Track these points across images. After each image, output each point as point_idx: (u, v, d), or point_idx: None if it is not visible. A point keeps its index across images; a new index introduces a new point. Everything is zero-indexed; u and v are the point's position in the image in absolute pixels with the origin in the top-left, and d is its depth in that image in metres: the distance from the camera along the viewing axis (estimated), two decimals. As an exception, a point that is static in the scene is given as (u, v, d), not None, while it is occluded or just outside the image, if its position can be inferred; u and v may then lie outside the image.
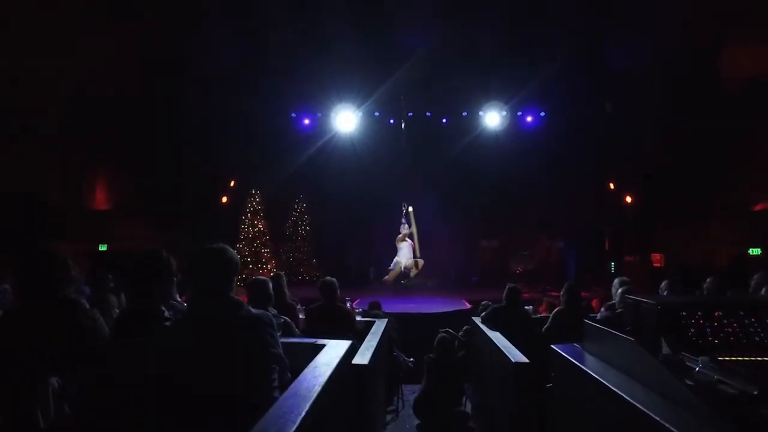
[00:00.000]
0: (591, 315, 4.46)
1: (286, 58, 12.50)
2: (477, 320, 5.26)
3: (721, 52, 9.85)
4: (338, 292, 4.67)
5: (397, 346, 5.84)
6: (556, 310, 4.70)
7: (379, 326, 4.72)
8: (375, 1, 11.92)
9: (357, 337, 4.01)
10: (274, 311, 3.49)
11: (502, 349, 3.68)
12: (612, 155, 11.36)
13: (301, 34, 12.18)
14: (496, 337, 4.16)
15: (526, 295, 10.98)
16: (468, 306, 9.57)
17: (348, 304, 6.35)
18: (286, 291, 4.75)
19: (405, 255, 11.84)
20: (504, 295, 5.10)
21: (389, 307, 9.52)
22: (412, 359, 5.70)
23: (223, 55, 11.70)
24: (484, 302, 5.78)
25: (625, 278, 4.37)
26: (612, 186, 11.61)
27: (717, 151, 9.46)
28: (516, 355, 3.48)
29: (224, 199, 12.54)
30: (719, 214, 9.58)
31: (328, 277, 4.70)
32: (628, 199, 11.33)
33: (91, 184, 12.33)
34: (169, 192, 11.73)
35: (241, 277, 12.66)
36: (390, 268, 11.94)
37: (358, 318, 5.40)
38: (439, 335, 5.28)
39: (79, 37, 9.55)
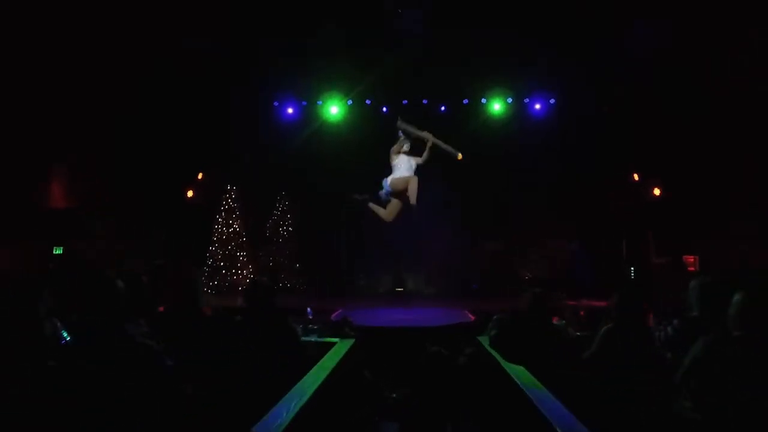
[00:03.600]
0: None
1: (267, 41, 11.18)
2: (485, 341, 3.85)
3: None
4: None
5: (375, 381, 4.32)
6: (604, 329, 3.18)
7: (332, 358, 3.22)
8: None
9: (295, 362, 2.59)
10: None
11: (542, 408, 2.18)
12: (634, 141, 9.92)
13: (285, 13, 10.86)
14: (522, 377, 2.68)
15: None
16: (472, 318, 8.11)
17: (309, 313, 4.87)
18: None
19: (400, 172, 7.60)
20: (525, 303, 3.59)
21: (376, 320, 8.11)
22: (394, 395, 4.19)
23: (193, 37, 10.35)
24: (495, 317, 4.20)
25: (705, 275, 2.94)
26: (636, 177, 10.16)
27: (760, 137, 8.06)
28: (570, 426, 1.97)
29: (189, 194, 11.09)
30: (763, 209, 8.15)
31: (260, 278, 3.29)
32: (656, 192, 9.85)
33: (48, 178, 10.95)
34: (134, 187, 10.34)
35: (214, 283, 11.29)
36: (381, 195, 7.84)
37: (311, 338, 3.93)
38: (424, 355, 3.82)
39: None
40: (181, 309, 2.92)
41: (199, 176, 11.28)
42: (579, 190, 10.78)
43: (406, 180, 7.48)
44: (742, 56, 7.57)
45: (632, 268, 11.10)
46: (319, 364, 2.95)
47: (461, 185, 11.69)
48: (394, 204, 7.88)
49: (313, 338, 4.10)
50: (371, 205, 8.01)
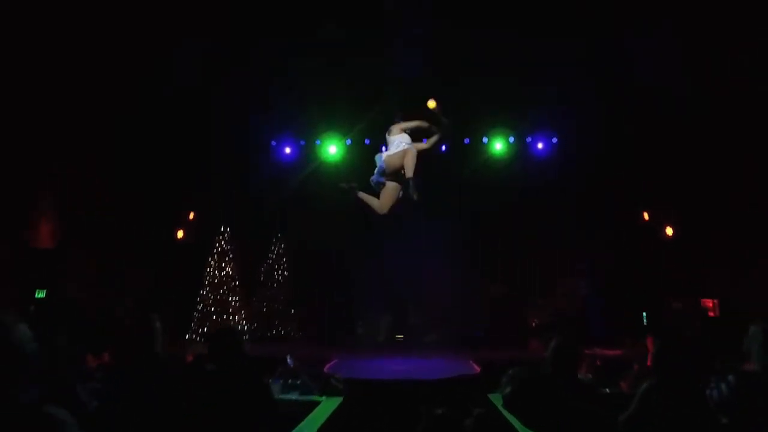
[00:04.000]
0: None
1: (265, 80, 11.01)
2: (497, 400, 3.30)
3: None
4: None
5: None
6: (645, 386, 2.62)
7: (315, 421, 2.67)
8: (365, 19, 10.56)
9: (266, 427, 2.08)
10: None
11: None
12: (644, 180, 9.51)
13: (285, 52, 10.73)
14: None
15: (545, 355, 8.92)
16: (477, 369, 7.49)
17: (289, 361, 4.29)
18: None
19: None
20: (547, 354, 3.02)
21: (372, 372, 7.52)
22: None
23: (189, 75, 10.17)
24: (510, 371, 3.53)
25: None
26: (646, 216, 9.68)
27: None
28: None
29: (180, 234, 10.62)
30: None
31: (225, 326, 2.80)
32: (669, 231, 9.33)
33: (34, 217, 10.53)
34: (124, 226, 9.90)
35: (203, 330, 10.68)
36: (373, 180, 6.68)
37: (289, 396, 3.37)
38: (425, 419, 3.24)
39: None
40: (130, 356, 2.44)
41: (191, 216, 10.84)
42: (587, 231, 10.30)
43: (403, 153, 6.13)
44: (759, 87, 7.27)
45: (644, 314, 10.53)
46: (297, 429, 2.42)
47: (464, 227, 11.27)
48: (389, 191, 6.39)
49: (293, 396, 3.54)
50: (361, 194, 6.70)
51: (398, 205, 6.61)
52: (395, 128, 6.58)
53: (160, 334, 2.49)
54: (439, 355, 9.37)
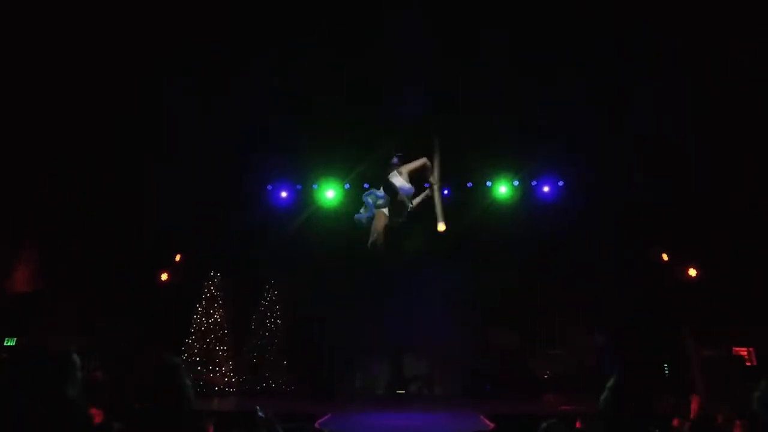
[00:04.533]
0: None
1: (262, 124, 10.76)
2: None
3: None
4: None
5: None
6: None
7: None
8: (363, 61, 10.46)
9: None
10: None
11: None
12: (659, 221, 8.98)
13: (281, 96, 10.53)
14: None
15: (564, 408, 8.10)
16: (490, 426, 6.68)
17: (261, 414, 3.57)
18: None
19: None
20: (604, 397, 2.18)
21: (369, 428, 6.76)
22: None
23: (181, 118, 9.89)
24: (545, 424, 2.69)
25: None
26: (665, 257, 9.06)
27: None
28: None
29: (164, 276, 9.92)
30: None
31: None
32: (692, 272, 8.68)
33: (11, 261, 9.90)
34: (108, 271, 9.26)
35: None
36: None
37: None
38: None
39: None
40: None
41: (177, 258, 10.19)
42: (600, 276, 9.68)
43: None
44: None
45: (665, 366, 9.75)
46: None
47: (467, 274, 10.65)
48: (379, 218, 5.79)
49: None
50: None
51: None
52: (404, 171, 6.05)
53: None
54: (445, 410, 8.51)
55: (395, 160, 6.77)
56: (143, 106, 9.41)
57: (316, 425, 6.88)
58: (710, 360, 7.76)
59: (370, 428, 7.27)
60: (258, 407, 3.65)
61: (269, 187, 11.78)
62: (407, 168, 6.01)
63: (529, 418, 7.56)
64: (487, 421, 6.91)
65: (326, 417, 7.58)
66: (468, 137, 10.74)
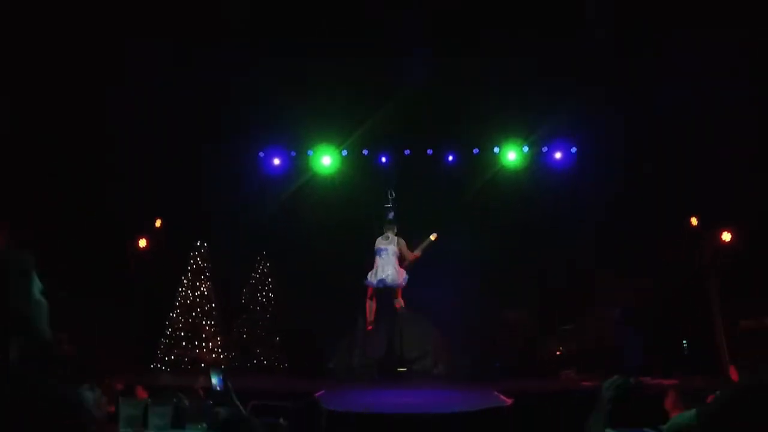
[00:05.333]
0: None
1: (253, 87, 9.98)
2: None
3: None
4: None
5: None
6: None
7: None
8: (362, 19, 9.69)
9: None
10: None
11: None
12: (690, 182, 8.22)
13: (274, 56, 9.74)
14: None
15: (585, 383, 7.41)
16: (508, 402, 5.97)
17: (216, 382, 2.85)
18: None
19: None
20: None
21: (367, 405, 6.08)
22: None
23: (170, 83, 9.13)
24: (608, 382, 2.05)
25: None
26: (695, 222, 8.30)
27: None
28: None
29: (142, 243, 9.09)
30: None
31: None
32: (726, 237, 7.92)
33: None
34: (82, 243, 8.45)
35: (171, 358, 9.07)
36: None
37: None
38: None
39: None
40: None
41: (157, 223, 9.35)
42: (617, 246, 8.97)
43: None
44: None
45: (684, 342, 9.10)
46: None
47: (474, 245, 9.91)
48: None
49: None
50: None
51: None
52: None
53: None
54: (452, 388, 7.83)
55: (390, 215, 8.77)
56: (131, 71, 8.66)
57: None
58: (749, 330, 7.06)
59: (369, 403, 6.58)
60: (212, 369, 2.92)
61: (261, 154, 11.01)
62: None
63: (551, 394, 6.89)
64: (504, 398, 6.20)
65: (319, 393, 6.87)
66: (475, 98, 10.07)
